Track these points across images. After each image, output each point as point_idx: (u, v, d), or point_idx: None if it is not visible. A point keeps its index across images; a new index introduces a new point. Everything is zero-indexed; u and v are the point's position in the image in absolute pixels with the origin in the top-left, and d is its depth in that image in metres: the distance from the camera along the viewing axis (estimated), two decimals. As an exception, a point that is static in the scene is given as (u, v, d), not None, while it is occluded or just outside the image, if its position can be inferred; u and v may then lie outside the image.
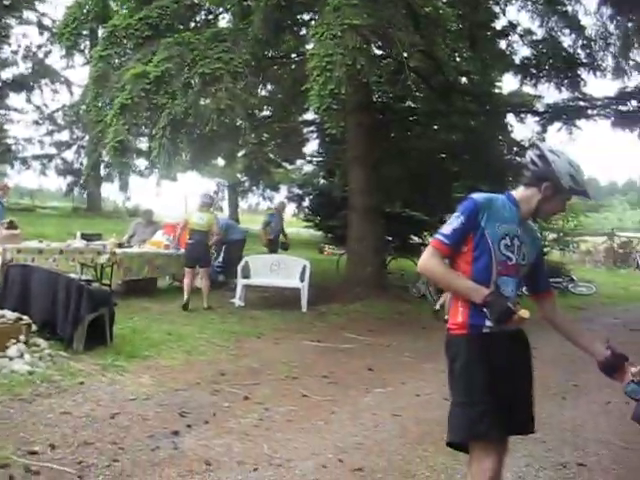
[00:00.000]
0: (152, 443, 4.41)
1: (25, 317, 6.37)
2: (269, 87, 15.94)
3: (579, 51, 13.60)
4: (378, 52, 13.59)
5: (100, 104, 10.66)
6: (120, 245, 10.64)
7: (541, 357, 8.32)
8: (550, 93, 15.41)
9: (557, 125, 14.29)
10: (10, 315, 6.29)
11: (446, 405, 5.75)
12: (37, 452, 4.07)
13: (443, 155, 17.32)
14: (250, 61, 9.41)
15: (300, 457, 4.37)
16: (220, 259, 12.61)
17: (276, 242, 13.73)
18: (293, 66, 13.94)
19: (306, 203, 29.05)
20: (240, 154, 17.67)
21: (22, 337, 6.10)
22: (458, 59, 14.66)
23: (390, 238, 15.23)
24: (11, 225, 9.35)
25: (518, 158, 15.90)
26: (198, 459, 4.20)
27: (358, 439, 4.81)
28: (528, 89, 14.50)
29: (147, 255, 10.64)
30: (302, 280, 10.82)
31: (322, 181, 25.81)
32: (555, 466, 4.50)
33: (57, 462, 3.96)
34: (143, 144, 15.06)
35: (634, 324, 12.02)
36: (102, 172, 25.88)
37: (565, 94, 13.89)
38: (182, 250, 10.78)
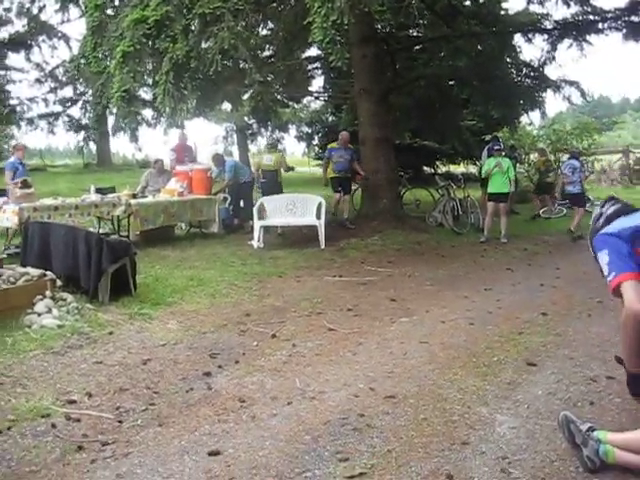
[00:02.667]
0: (185, 385, 4.50)
1: (49, 273, 6.44)
2: (270, 25, 15.61)
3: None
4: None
5: (100, 55, 10.51)
6: (134, 196, 10.65)
7: (565, 277, 8.44)
8: (558, 10, 14.95)
9: (567, 42, 13.86)
10: (34, 272, 6.37)
11: (471, 329, 5.89)
12: (75, 401, 4.17)
13: (451, 82, 17.02)
14: (250, -2, 9.19)
15: (332, 388, 4.43)
16: (231, 202, 12.62)
17: (347, 181, 12.97)
18: (293, 1, 13.60)
19: (316, 141, 28.94)
20: (246, 96, 17.43)
21: (48, 292, 6.18)
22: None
23: (403, 169, 15.11)
24: (25, 184, 9.35)
25: (528, 80, 15.62)
26: (232, 397, 4.27)
27: (388, 368, 4.86)
28: (535, 8, 14.09)
29: (162, 204, 10.64)
30: (319, 217, 10.81)
31: (330, 118, 25.61)
32: (585, 381, 4.54)
33: (95, 409, 4.06)
34: (147, 95, 14.96)
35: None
36: (110, 126, 25.65)
37: (574, 9, 13.48)
38: (196, 196, 10.92)
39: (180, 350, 5.31)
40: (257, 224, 10.68)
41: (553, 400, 4.19)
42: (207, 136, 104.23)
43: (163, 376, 4.68)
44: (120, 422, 3.87)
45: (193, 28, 9.52)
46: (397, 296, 7.36)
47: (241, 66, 11.51)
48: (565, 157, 20.03)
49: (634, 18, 13.10)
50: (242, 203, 12.68)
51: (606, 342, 5.47)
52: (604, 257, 3.11)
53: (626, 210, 3.38)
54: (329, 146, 13.28)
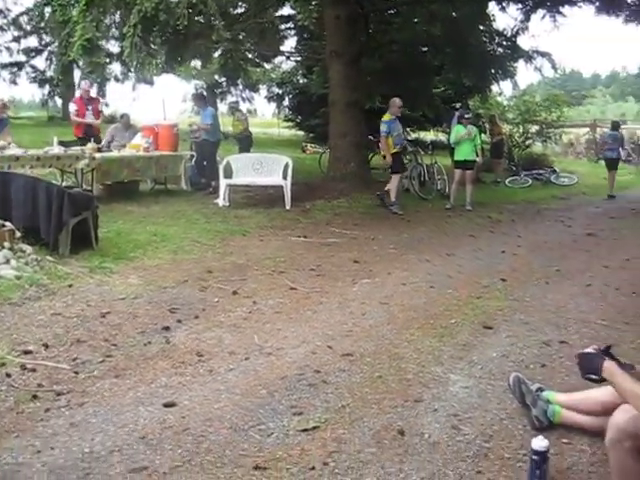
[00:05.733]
0: (144, 339, 4.49)
1: (8, 223, 6.32)
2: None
3: None
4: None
5: (65, 2, 10.24)
6: (99, 150, 10.48)
7: (526, 245, 8.56)
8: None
9: (541, 13, 13.91)
10: (-8, 222, 6.24)
11: (431, 292, 5.96)
12: (31, 351, 4.14)
13: (424, 48, 16.98)
14: (220, -49, 9.00)
15: (290, 345, 4.46)
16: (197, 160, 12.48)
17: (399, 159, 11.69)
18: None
19: (286, 102, 28.68)
20: (216, 54, 17.16)
21: (6, 243, 6.07)
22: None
23: (372, 134, 15.10)
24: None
25: (500, 49, 15.64)
26: (190, 351, 4.28)
27: (347, 327, 4.91)
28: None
29: (126, 159, 10.50)
30: (285, 178, 10.77)
31: (302, 80, 25.35)
32: (538, 344, 4.64)
33: (52, 360, 4.03)
34: (115, 48, 14.62)
35: (613, 212, 12.20)
36: (77, 79, 25.04)
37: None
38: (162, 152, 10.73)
39: (140, 304, 5.29)
40: (223, 182, 10.60)
41: (506, 362, 4.27)
42: (176, 93, 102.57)
43: (121, 329, 4.66)
44: (76, 373, 3.86)
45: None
46: (360, 258, 7.40)
47: (212, 22, 11.30)
48: (534, 128, 20.35)
49: (607, -9, 13.15)
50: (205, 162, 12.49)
51: (561, 308, 5.59)
52: None
53: None
54: (385, 119, 11.35)
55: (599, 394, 3.05)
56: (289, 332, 4.75)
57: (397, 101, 11.45)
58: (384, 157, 11.66)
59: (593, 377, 2.72)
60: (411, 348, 4.46)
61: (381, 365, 4.14)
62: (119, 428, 3.20)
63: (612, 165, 15.21)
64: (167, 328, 4.72)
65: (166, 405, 3.46)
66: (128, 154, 10.75)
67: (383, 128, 11.27)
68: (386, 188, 11.19)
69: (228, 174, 10.93)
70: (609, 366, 2.64)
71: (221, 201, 10.47)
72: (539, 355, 4.43)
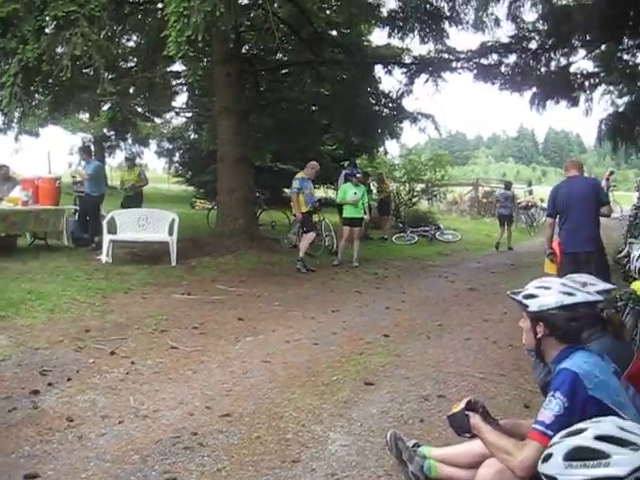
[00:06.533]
0: (8, 405, 4.23)
1: None
2: (135, 38, 15.27)
3: (443, 4, 13.86)
4: (246, 1, 13.37)
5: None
6: (-26, 203, 10.01)
7: (410, 301, 8.74)
8: (417, 46, 15.73)
9: (424, 77, 14.58)
10: None
11: (315, 349, 5.96)
12: None
13: (314, 107, 17.38)
14: (108, 5, 8.90)
15: (167, 407, 4.33)
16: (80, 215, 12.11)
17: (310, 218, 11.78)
18: (159, 14, 13.39)
19: (177, 158, 28.48)
20: (105, 107, 16.86)
21: None
22: (328, 12, 14.71)
23: (261, 190, 15.20)
24: None
25: (386, 110, 16.23)
26: (59, 416, 4.08)
27: (227, 386, 4.82)
28: (396, 42, 14.71)
29: (2, 212, 10.06)
30: (171, 234, 10.59)
31: (192, 135, 25.29)
32: (418, 399, 4.71)
33: None
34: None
35: (494, 267, 12.73)
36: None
37: (430, 47, 14.21)
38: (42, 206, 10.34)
39: (7, 367, 5.00)
40: (106, 238, 10.30)
41: (386, 418, 4.31)
42: (63, 146, 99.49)
43: (-17, 395, 4.38)
44: None
45: (48, 30, 9.09)
46: (245, 315, 7.32)
47: (99, 75, 11.12)
48: (420, 186, 21.19)
49: (484, 61, 13.97)
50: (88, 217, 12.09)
51: (441, 362, 5.72)
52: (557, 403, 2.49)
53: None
54: (299, 176, 11.70)
55: (474, 447, 3.10)
56: (167, 393, 4.60)
57: (316, 164, 11.91)
58: (294, 215, 11.86)
59: (467, 435, 2.83)
60: (291, 407, 4.42)
61: (260, 425, 4.07)
62: (-28, 504, 2.97)
63: (506, 221, 16.69)
64: (36, 392, 4.47)
65: (27, 477, 3.25)
66: (5, 207, 10.29)
67: (295, 185, 11.46)
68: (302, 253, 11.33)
69: (112, 229, 10.63)
70: (475, 423, 2.74)
71: (104, 257, 10.15)
72: (418, 410, 4.49)
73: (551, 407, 2.48)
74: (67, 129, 26.55)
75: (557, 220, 7.12)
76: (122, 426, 3.97)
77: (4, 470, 3.32)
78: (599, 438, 1.88)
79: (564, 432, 2.03)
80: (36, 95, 10.18)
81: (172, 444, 3.73)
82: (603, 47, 13.50)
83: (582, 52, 13.53)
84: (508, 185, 18.45)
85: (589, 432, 1.91)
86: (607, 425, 1.95)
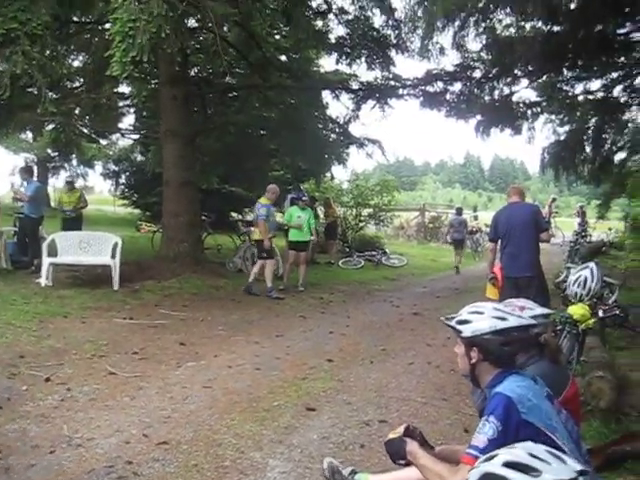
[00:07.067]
0: None
1: None
2: (81, 57, 15.07)
3: (389, 32, 14.10)
4: (194, 24, 13.33)
5: None
6: None
7: (354, 325, 8.75)
8: (364, 72, 15.90)
9: (370, 103, 14.78)
10: None
11: (257, 374, 5.89)
12: None
13: (261, 131, 17.40)
14: (51, 23, 8.76)
15: (102, 435, 4.20)
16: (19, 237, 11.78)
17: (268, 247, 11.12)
18: (105, 34, 13.25)
19: (123, 180, 28.11)
20: (49, 127, 16.55)
21: None
22: (276, 36, 14.80)
23: (207, 214, 15.08)
24: None
25: (334, 135, 16.36)
26: (-14, 447, 3.91)
27: (165, 413, 4.72)
28: (344, 68, 14.88)
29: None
30: (113, 257, 10.38)
31: (139, 157, 25.03)
32: (359, 424, 4.70)
33: None
34: None
35: (439, 292, 12.85)
36: None
37: (377, 73, 14.42)
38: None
39: None
40: (46, 261, 10.04)
41: (326, 444, 4.27)
42: (4, 167, 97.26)
43: None
44: None
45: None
46: (187, 340, 7.22)
47: (41, 94, 10.92)
48: (367, 211, 21.36)
49: (429, 88, 14.22)
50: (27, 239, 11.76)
51: (383, 387, 5.73)
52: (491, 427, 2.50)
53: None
54: (264, 202, 11.21)
55: (411, 474, 3.09)
56: (103, 421, 4.48)
57: (276, 188, 11.66)
58: (256, 241, 11.64)
59: (402, 462, 2.81)
60: (231, 433, 4.35)
61: (198, 453, 3.99)
62: None
63: (459, 245, 17.70)
64: (-39, 422, 4.29)
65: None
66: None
67: (262, 212, 11.03)
68: (252, 277, 11.11)
69: (53, 252, 10.37)
70: (411, 449, 2.73)
71: (43, 280, 9.88)
72: (359, 435, 4.47)
73: (485, 431, 2.49)
74: (9, 149, 26.02)
75: (499, 245, 7.25)
76: (53, 456, 3.84)
77: None
78: (507, 465, 1.88)
79: (483, 457, 2.03)
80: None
81: (105, 474, 3.62)
82: (544, 77, 13.88)
83: (524, 82, 13.92)
84: (459, 210, 19.18)
85: (499, 458, 1.91)
86: (518, 451, 1.95)
